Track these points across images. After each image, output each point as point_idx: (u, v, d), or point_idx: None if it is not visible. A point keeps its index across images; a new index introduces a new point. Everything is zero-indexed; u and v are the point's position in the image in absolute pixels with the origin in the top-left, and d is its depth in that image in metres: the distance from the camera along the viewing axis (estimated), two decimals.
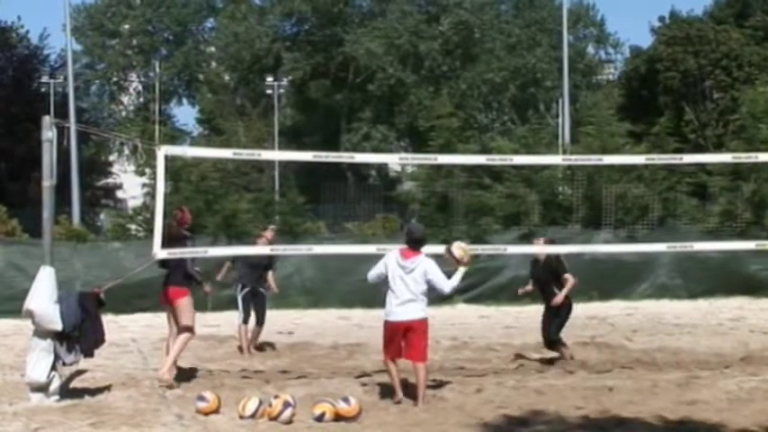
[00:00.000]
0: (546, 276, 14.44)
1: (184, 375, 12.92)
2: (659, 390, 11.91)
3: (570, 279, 14.25)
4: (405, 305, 11.06)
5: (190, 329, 12.56)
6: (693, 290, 24.04)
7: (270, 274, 16.05)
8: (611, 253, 22.31)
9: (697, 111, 49.52)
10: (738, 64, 49.38)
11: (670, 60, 50.24)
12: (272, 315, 16.54)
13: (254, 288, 15.71)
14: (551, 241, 15.57)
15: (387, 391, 11.46)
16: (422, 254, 11.27)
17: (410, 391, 11.31)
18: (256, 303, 15.78)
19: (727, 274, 23.75)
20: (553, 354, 14.44)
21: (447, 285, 11.25)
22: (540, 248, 14.76)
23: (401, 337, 11.13)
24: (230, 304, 21.72)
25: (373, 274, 11.37)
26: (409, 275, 11.08)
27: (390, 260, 11.22)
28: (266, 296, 15.99)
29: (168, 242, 12.35)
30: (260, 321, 15.79)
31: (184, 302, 12.53)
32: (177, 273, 12.54)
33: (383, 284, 11.28)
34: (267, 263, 15.81)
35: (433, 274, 11.14)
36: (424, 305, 11.19)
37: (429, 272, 11.13)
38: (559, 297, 14.13)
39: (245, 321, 15.69)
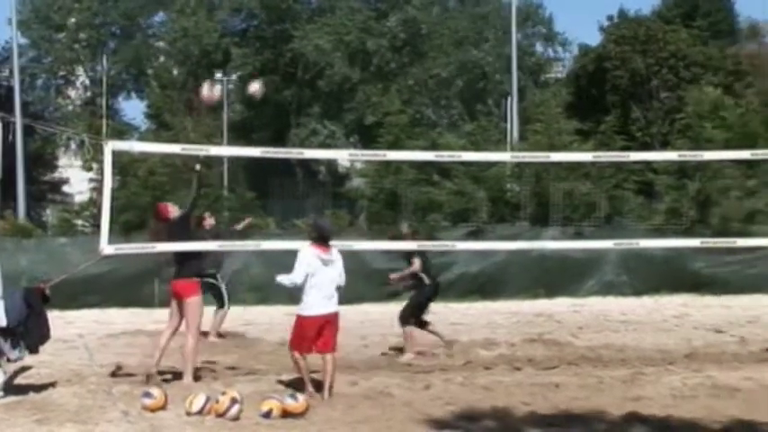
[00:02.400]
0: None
1: (128, 372, 12.86)
2: (605, 386, 12.01)
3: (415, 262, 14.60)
4: (328, 299, 11.21)
5: (196, 329, 12.41)
6: (639, 287, 24.23)
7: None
8: (559, 250, 22.48)
9: (644, 109, 49.89)
10: (685, 64, 49.80)
11: (618, 59, 50.55)
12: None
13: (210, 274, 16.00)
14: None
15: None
16: (334, 248, 11.47)
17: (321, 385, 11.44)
18: (213, 290, 16.09)
19: (672, 271, 23.98)
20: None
21: (343, 280, 11.46)
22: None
23: (317, 331, 11.19)
24: None
25: (300, 275, 11.13)
26: (330, 267, 11.23)
27: (311, 256, 11.20)
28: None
29: (159, 237, 12.68)
30: (222, 305, 16.13)
31: (195, 301, 12.35)
32: (187, 266, 12.40)
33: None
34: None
35: (342, 269, 11.41)
36: (337, 298, 11.36)
37: (341, 265, 11.41)
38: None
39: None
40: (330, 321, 11.25)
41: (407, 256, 14.85)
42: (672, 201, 26.42)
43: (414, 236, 15.26)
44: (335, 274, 11.28)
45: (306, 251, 11.26)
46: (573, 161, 24.38)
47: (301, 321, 11.26)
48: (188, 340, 12.22)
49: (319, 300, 11.15)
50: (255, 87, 14.18)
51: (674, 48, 49.95)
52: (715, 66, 48.56)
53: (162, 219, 12.76)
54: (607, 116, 31.95)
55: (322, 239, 11.34)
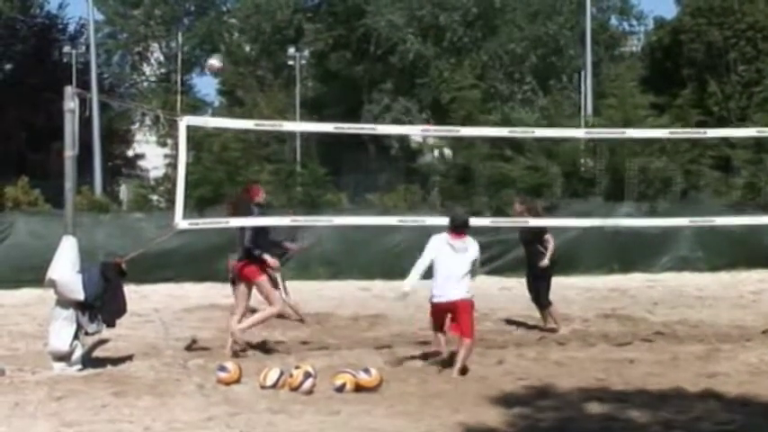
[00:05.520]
0: (530, 237, 14.76)
1: (203, 345, 12.99)
2: (680, 362, 11.89)
3: (551, 240, 14.58)
4: (454, 286, 11.26)
5: (278, 301, 12.71)
6: (715, 262, 23.89)
7: (290, 244, 16.22)
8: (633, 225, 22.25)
9: (721, 83, 49.17)
10: (764, 36, 48.95)
11: (694, 32, 49.84)
12: (292, 286, 16.58)
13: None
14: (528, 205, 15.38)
15: (407, 362, 11.48)
16: (469, 236, 11.52)
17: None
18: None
19: (748, 246, 23.60)
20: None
21: (475, 271, 11.62)
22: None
23: (446, 316, 11.46)
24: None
25: (424, 260, 11.40)
26: (459, 255, 11.31)
27: (440, 242, 11.42)
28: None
29: (232, 213, 12.80)
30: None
31: (259, 282, 12.49)
32: (243, 248, 12.54)
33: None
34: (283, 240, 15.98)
35: (476, 259, 11.49)
36: (468, 286, 11.38)
37: (475, 255, 11.44)
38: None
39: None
40: (458, 307, 11.29)
41: (536, 235, 14.71)
42: (749, 175, 26.00)
43: (530, 212, 14.86)
44: (465, 262, 11.30)
45: (436, 237, 11.51)
46: (648, 137, 24.07)
47: (431, 305, 11.51)
48: (269, 309, 12.57)
49: (444, 287, 11.25)
50: (213, 64, 13.76)
51: (752, 19, 49.10)
52: None
53: (248, 198, 12.90)
54: (683, 90, 31.47)
55: (453, 227, 11.49)
